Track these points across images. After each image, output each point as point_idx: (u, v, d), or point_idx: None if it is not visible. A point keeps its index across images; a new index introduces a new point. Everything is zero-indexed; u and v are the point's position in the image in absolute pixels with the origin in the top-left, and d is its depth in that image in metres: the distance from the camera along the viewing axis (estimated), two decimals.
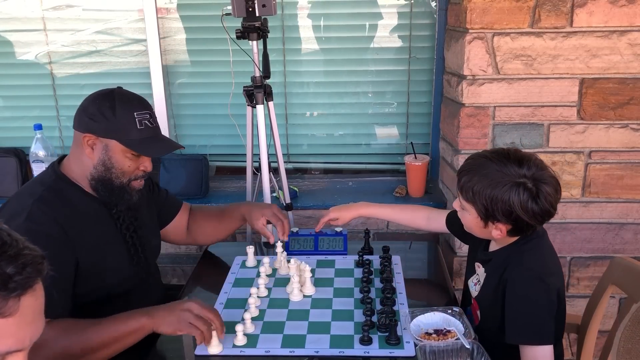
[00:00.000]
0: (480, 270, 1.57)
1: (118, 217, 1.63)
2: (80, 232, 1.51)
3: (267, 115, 2.33)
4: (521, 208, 1.36)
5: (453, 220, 1.77)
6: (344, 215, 1.93)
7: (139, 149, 1.55)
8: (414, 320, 1.49)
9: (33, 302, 0.74)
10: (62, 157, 1.64)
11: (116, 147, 1.54)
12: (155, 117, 1.61)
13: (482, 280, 1.55)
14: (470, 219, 1.48)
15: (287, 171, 2.49)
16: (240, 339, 1.47)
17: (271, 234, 1.91)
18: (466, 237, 1.71)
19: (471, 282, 1.61)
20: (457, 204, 1.52)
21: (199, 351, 1.46)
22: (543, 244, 1.50)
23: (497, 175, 1.38)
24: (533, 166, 1.38)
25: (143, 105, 1.58)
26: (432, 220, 1.88)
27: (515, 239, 1.49)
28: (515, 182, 1.36)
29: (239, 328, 1.47)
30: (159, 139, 1.61)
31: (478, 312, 1.56)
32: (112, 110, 1.51)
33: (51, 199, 1.51)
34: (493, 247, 1.56)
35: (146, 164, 1.61)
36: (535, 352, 1.38)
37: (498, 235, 1.45)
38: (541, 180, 1.37)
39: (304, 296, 1.69)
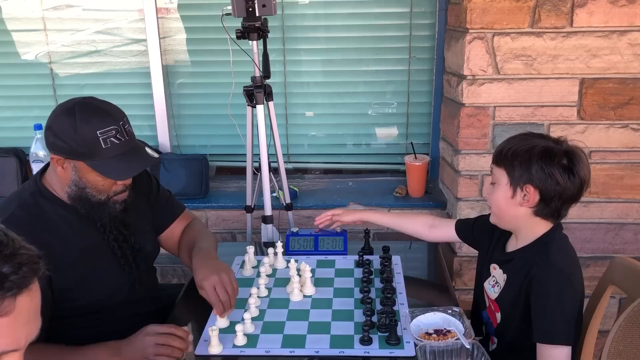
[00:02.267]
0: (496, 272, 1.56)
1: (104, 229, 1.54)
2: (56, 249, 1.41)
3: (267, 115, 2.33)
4: (558, 171, 1.40)
5: (463, 227, 1.78)
6: (346, 215, 1.94)
7: (105, 171, 1.44)
8: (414, 320, 1.49)
9: (29, 301, 0.74)
10: (47, 166, 1.56)
11: (84, 167, 1.44)
12: (124, 129, 1.46)
13: (501, 282, 1.53)
14: (499, 193, 1.47)
15: (287, 171, 2.49)
16: (240, 339, 1.47)
17: (218, 303, 1.51)
18: (477, 242, 1.71)
19: (488, 284, 1.59)
20: (488, 184, 1.53)
21: (199, 351, 1.46)
22: (568, 247, 1.49)
23: (538, 141, 1.44)
24: (566, 145, 1.44)
25: (107, 120, 1.43)
26: (436, 228, 1.86)
27: (538, 232, 1.47)
28: (554, 150, 1.41)
29: (239, 328, 1.48)
30: (130, 155, 1.47)
31: (497, 315, 1.55)
32: (74, 129, 1.41)
33: (22, 216, 1.44)
34: (512, 247, 1.55)
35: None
36: (557, 352, 1.37)
37: (526, 204, 1.43)
38: (575, 153, 1.43)
39: (304, 296, 1.69)
